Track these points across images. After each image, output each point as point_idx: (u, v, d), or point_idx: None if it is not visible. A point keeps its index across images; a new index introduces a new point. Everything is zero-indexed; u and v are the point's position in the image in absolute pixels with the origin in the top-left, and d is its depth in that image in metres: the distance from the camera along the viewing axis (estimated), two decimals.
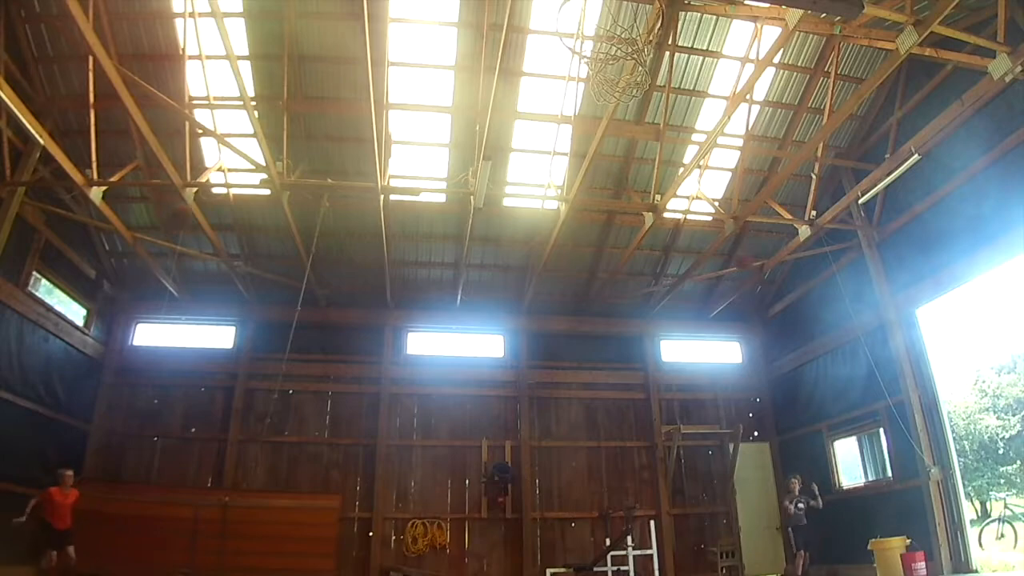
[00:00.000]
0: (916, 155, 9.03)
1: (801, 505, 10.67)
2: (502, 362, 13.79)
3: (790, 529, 10.91)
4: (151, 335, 13.07)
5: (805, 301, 13.48)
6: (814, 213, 11.24)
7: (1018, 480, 19.88)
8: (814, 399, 12.91)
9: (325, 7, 9.41)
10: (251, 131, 9.01)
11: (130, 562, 9.66)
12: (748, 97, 9.92)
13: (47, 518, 8.67)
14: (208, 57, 9.33)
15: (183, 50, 9.31)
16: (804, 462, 12.77)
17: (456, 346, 13.93)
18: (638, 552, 11.05)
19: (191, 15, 8.88)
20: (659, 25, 7.97)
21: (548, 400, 13.53)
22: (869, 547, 9.83)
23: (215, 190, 11.16)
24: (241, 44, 9.55)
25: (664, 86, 10.10)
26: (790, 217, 11.45)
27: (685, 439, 13.17)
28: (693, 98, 10.96)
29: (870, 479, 11.61)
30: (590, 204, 11.78)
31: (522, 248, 12.92)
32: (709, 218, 12.30)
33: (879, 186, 10.02)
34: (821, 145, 10.55)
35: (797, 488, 10.92)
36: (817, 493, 10.74)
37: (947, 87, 9.56)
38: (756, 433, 13.96)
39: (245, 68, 9.73)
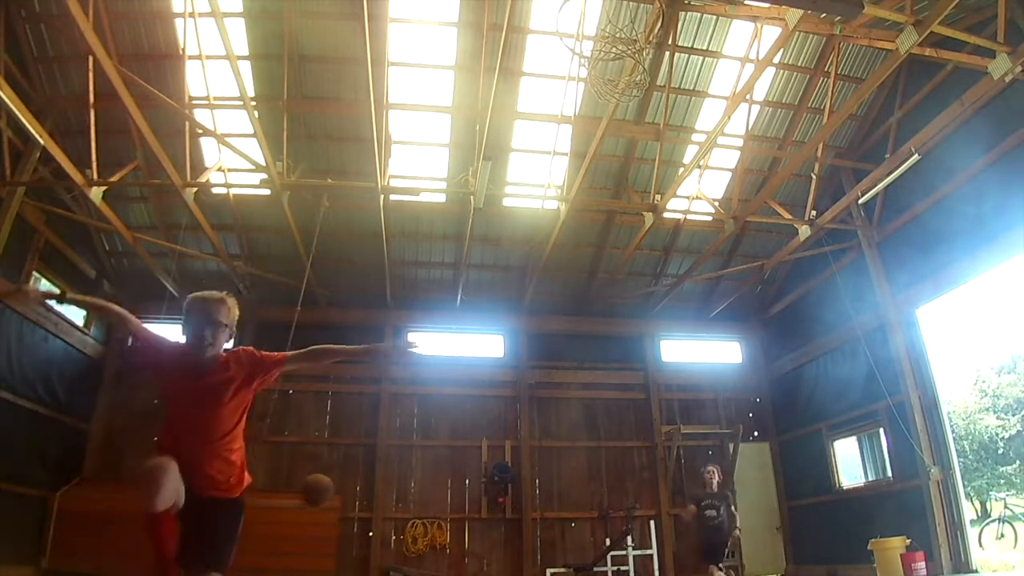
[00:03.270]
0: (916, 155, 9.02)
1: (714, 513, 8.04)
2: (502, 362, 13.78)
3: (704, 544, 8.34)
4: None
5: (805, 301, 13.46)
6: (814, 213, 11.23)
7: (1018, 480, 19.87)
8: (814, 399, 12.89)
9: (325, 7, 9.41)
10: (251, 131, 9.00)
11: (130, 562, 9.63)
12: (748, 97, 9.89)
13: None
14: (208, 57, 9.31)
15: (183, 50, 9.28)
16: (804, 462, 12.80)
17: (456, 346, 13.93)
18: (638, 552, 11.05)
19: (191, 15, 8.87)
20: (659, 25, 7.98)
21: (548, 400, 13.51)
22: (869, 547, 9.82)
23: (215, 190, 11.14)
24: (241, 44, 9.54)
25: (664, 86, 10.09)
26: (790, 217, 11.45)
27: (685, 439, 13.16)
28: (693, 98, 10.96)
29: (870, 479, 11.60)
30: (590, 204, 11.77)
31: (522, 248, 12.91)
32: (709, 218, 12.30)
33: (879, 186, 10.01)
34: (821, 145, 10.54)
35: (715, 482, 8.34)
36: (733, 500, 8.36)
37: (947, 87, 9.54)
38: (756, 433, 13.94)
39: (245, 68, 9.72)
